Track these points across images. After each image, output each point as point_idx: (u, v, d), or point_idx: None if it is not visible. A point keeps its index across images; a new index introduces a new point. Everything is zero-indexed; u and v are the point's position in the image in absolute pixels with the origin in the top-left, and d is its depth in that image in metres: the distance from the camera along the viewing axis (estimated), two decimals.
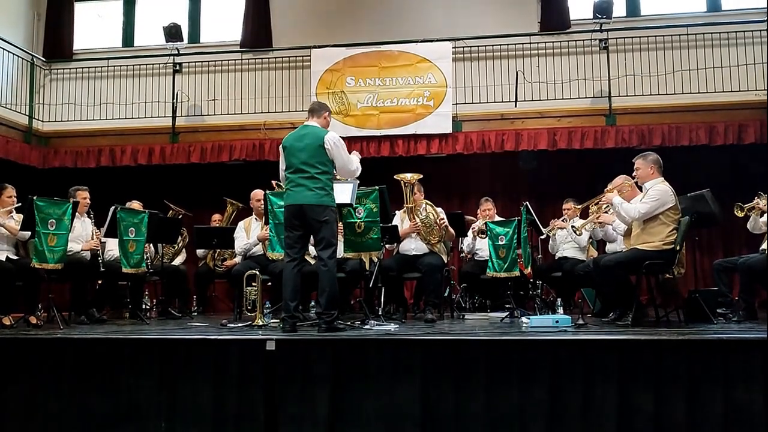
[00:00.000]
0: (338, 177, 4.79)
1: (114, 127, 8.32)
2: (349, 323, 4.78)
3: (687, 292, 5.51)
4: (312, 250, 5.06)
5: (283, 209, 5.13)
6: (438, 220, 5.80)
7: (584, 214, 5.87)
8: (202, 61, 8.51)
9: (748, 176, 6.22)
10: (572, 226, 5.64)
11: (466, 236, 6.73)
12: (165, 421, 3.95)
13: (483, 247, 6.27)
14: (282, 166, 4.74)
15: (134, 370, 4.04)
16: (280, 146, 4.75)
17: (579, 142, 7.56)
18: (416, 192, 5.77)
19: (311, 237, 4.68)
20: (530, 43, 7.95)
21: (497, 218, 6.40)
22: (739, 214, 5.60)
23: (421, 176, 5.70)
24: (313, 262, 5.34)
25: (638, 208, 4.71)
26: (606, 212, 5.31)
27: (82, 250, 5.72)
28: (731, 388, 3.58)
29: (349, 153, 4.78)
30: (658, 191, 4.68)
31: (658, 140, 7.31)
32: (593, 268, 5.00)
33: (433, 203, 5.93)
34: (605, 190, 5.14)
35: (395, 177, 5.60)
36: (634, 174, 4.95)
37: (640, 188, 4.97)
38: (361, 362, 3.89)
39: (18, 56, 8.30)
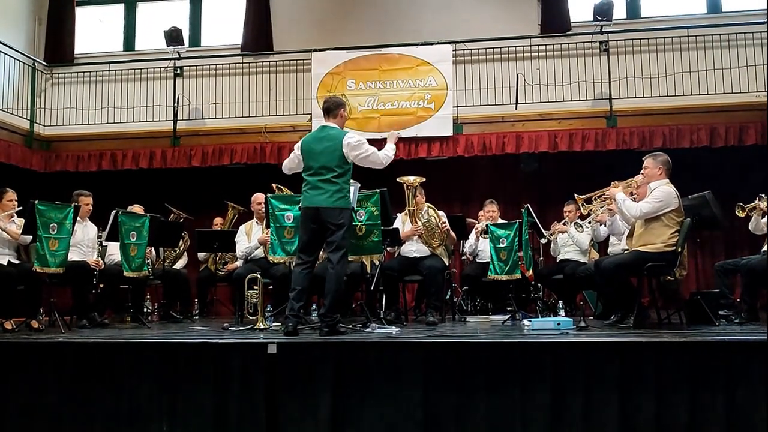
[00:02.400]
0: None
1: (115, 131, 8.33)
2: (350, 326, 4.77)
3: (689, 294, 5.51)
4: None
5: (284, 212, 5.14)
6: (440, 224, 5.80)
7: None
8: (203, 65, 8.52)
9: (749, 178, 6.21)
10: (575, 223, 5.58)
11: (467, 239, 6.73)
12: (166, 425, 3.94)
13: (484, 250, 6.27)
14: (291, 162, 4.71)
15: (135, 373, 4.04)
16: (298, 145, 4.70)
17: (580, 144, 7.55)
18: (418, 195, 5.77)
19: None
20: (531, 45, 7.95)
21: (500, 221, 6.40)
22: (741, 215, 5.60)
23: (424, 179, 5.70)
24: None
25: (640, 206, 4.70)
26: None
27: (89, 262, 5.69)
28: (733, 390, 3.58)
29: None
30: (662, 192, 4.68)
31: (659, 142, 7.29)
32: (594, 270, 4.99)
33: (434, 206, 5.92)
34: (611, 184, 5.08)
35: (398, 180, 5.60)
36: (641, 172, 4.94)
37: None
38: (362, 365, 3.88)
39: (19, 60, 8.31)
